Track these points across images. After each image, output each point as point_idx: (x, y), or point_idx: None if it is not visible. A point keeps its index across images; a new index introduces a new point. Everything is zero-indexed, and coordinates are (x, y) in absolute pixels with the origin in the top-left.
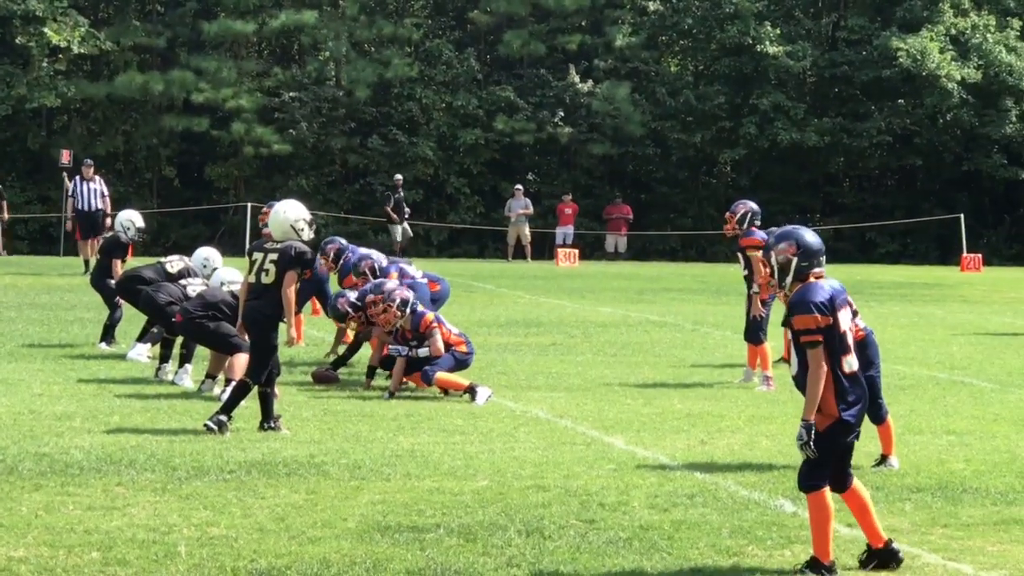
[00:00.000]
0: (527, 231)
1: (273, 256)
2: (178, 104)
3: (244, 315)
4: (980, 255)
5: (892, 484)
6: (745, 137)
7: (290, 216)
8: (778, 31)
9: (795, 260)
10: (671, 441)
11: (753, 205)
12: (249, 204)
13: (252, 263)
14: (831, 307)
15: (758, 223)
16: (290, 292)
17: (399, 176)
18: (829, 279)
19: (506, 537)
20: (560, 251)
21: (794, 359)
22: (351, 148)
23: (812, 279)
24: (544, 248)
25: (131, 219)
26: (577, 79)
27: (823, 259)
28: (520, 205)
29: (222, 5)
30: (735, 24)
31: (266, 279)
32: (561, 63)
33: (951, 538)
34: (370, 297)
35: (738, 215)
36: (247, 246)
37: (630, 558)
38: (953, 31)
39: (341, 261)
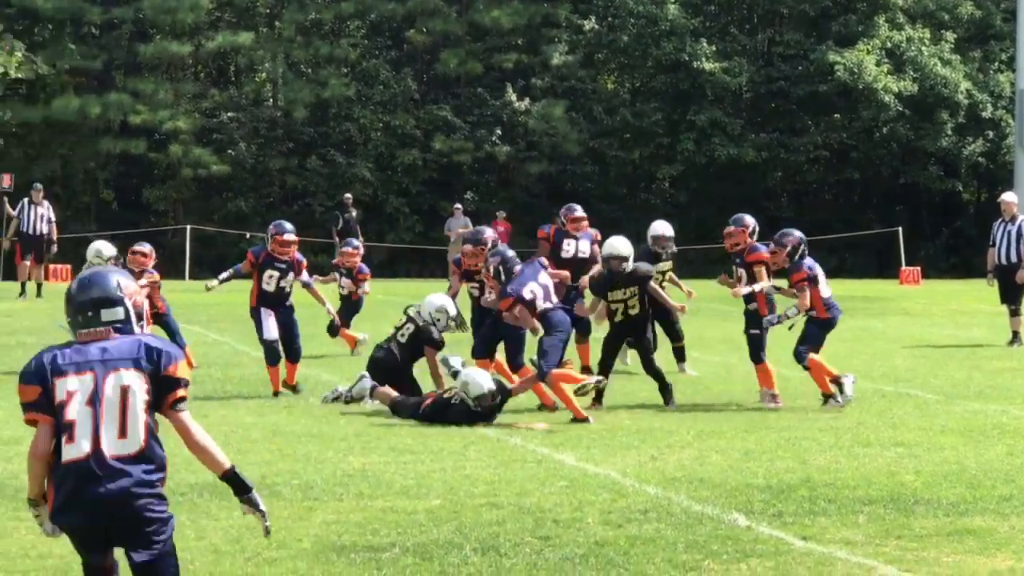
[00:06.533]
0: None
1: (411, 328)
2: (115, 127)
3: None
4: (919, 268)
5: (844, 497)
6: (683, 153)
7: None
8: (714, 47)
9: None
10: (621, 457)
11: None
12: (188, 226)
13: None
14: None
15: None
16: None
17: (348, 195)
18: None
19: (462, 555)
20: None
21: None
22: (289, 169)
23: None
24: None
25: (99, 251)
26: (514, 98)
27: None
28: (460, 224)
29: (157, 27)
30: (671, 41)
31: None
32: (498, 82)
33: (905, 549)
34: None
35: (788, 248)
36: (187, 269)
37: (587, 574)
38: (888, 44)
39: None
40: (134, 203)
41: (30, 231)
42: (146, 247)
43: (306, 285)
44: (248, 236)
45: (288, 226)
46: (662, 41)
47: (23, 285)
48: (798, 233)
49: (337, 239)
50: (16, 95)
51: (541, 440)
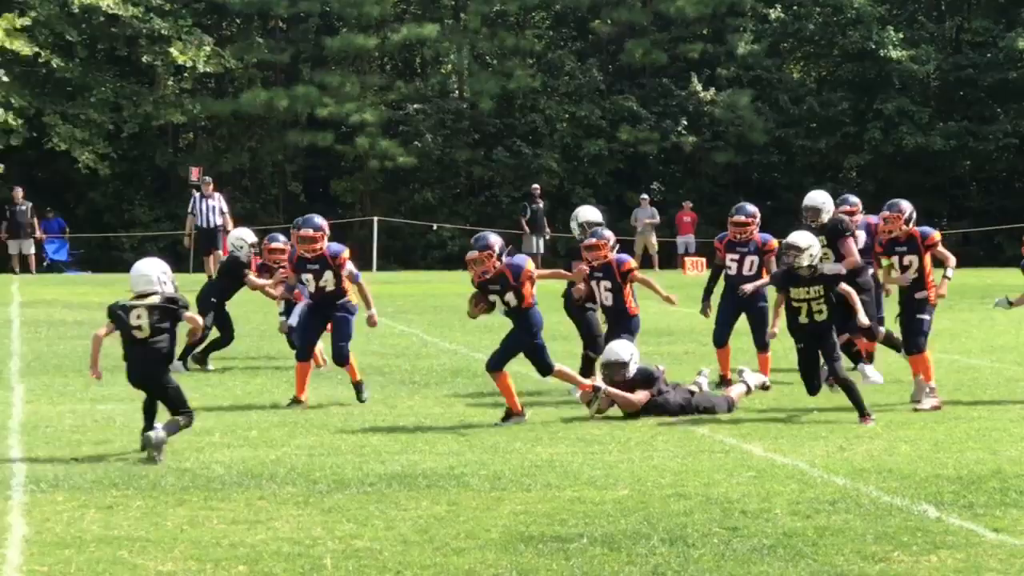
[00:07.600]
0: (654, 240)
1: None
2: (302, 119)
3: None
4: None
5: None
6: (870, 142)
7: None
8: (901, 35)
9: None
10: (809, 448)
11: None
12: (375, 218)
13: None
14: None
15: None
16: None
17: (536, 186)
18: None
19: (650, 546)
20: (687, 259)
21: None
22: (476, 160)
23: None
24: (671, 257)
25: (242, 237)
26: (699, 88)
27: None
28: (646, 214)
29: (344, 20)
30: (857, 29)
31: None
32: (683, 72)
33: None
34: None
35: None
36: (375, 260)
37: (775, 565)
38: None
39: None
40: (321, 195)
41: (204, 224)
42: (280, 241)
43: (352, 279)
44: (435, 227)
45: (318, 220)
46: (848, 29)
47: (210, 279)
48: None
49: (527, 229)
50: (205, 89)
51: (728, 431)
